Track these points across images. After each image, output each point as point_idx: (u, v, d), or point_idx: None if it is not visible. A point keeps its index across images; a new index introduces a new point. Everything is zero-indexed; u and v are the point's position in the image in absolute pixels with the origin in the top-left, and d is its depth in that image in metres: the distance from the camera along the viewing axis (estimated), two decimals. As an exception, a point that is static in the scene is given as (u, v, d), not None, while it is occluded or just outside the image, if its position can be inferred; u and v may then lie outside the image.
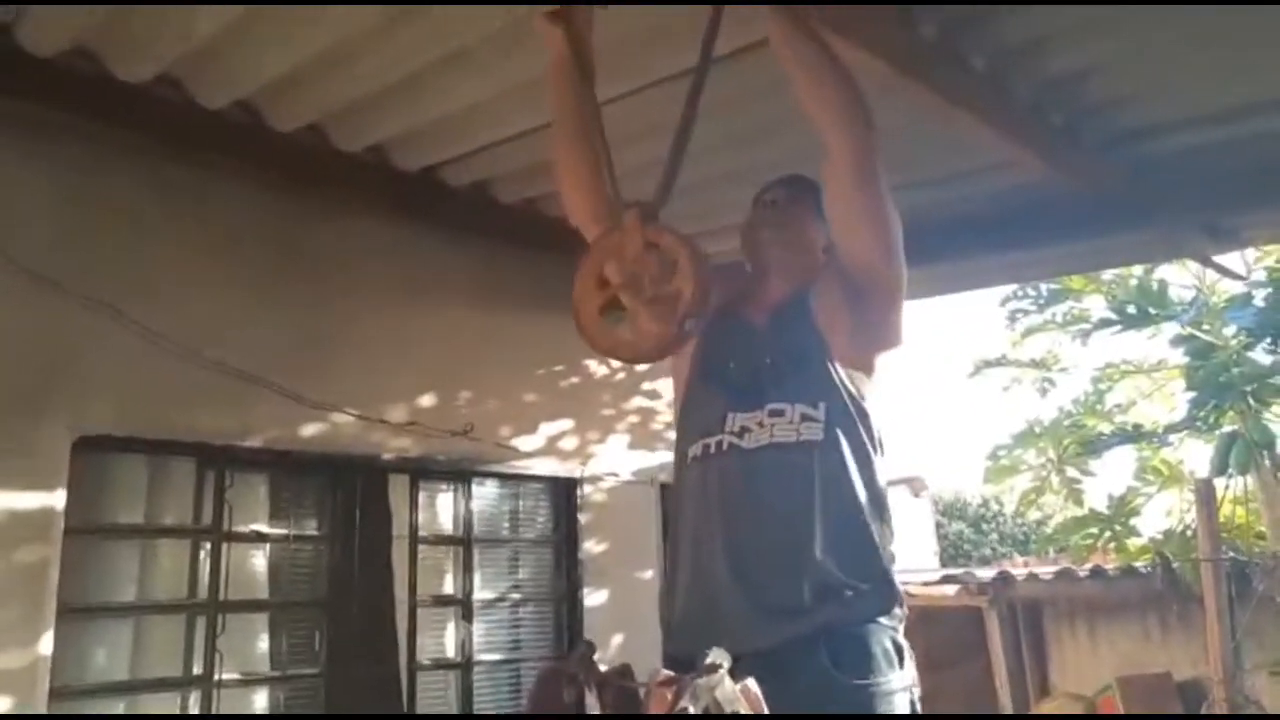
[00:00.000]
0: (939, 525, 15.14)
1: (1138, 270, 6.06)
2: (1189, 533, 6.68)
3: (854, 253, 1.74)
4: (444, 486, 3.96)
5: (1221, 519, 6.45)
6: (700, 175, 3.04)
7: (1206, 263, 4.21)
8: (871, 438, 1.71)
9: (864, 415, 1.70)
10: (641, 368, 4.40)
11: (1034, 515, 10.88)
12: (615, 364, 4.55)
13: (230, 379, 3.22)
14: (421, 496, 3.85)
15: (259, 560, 3.43)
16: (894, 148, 3.07)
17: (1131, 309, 6.16)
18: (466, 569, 3.94)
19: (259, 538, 3.41)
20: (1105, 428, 6.89)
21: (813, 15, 1.81)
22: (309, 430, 3.48)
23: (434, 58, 2.69)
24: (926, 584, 7.27)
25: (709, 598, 1.67)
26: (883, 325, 1.77)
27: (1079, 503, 6.98)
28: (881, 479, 1.71)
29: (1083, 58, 2.65)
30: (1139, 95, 2.89)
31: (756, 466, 1.67)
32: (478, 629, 3.92)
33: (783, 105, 2.34)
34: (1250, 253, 5.52)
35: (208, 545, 3.25)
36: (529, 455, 4.11)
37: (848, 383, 1.70)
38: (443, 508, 3.97)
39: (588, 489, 4.30)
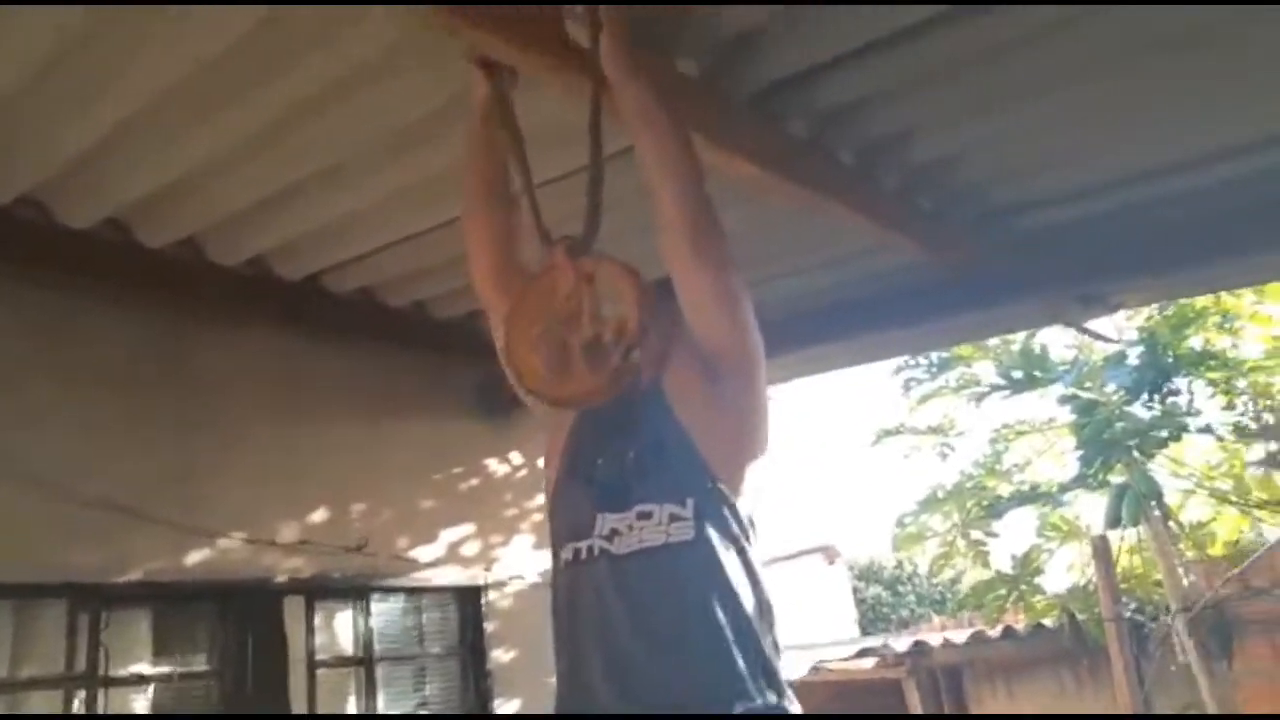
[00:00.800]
0: (856, 590, 15.25)
1: (1021, 335, 6.29)
2: (1091, 586, 6.83)
3: (703, 329, 1.69)
4: (342, 605, 3.79)
5: (1120, 570, 6.63)
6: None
7: (1080, 329, 4.38)
8: (742, 527, 1.64)
9: (732, 505, 1.64)
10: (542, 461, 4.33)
11: (948, 574, 10.99)
12: (516, 461, 4.47)
13: (104, 511, 3.04)
14: (318, 618, 3.68)
15: (141, 704, 3.21)
16: (771, 236, 3.20)
17: (1018, 374, 6.37)
18: (369, 690, 3.76)
19: (140, 680, 3.19)
20: (1005, 489, 7.05)
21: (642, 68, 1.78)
22: (193, 558, 3.30)
23: (307, 172, 2.65)
24: (844, 659, 7.25)
25: (588, 710, 1.61)
26: (741, 400, 1.70)
27: (986, 564, 7.08)
28: (757, 568, 1.64)
29: (946, 146, 2.77)
30: (1002, 177, 3.03)
31: (627, 576, 1.60)
32: (387, 752, 3.73)
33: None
34: (1121, 314, 5.77)
35: (82, 694, 3.02)
36: (429, 565, 3.98)
37: (713, 471, 1.64)
38: (341, 628, 3.79)
39: (493, 595, 4.17)
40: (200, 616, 3.40)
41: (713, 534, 1.61)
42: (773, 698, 1.56)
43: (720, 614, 1.57)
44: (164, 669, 3.25)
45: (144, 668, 3.21)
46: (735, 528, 1.63)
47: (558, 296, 1.57)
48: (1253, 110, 2.70)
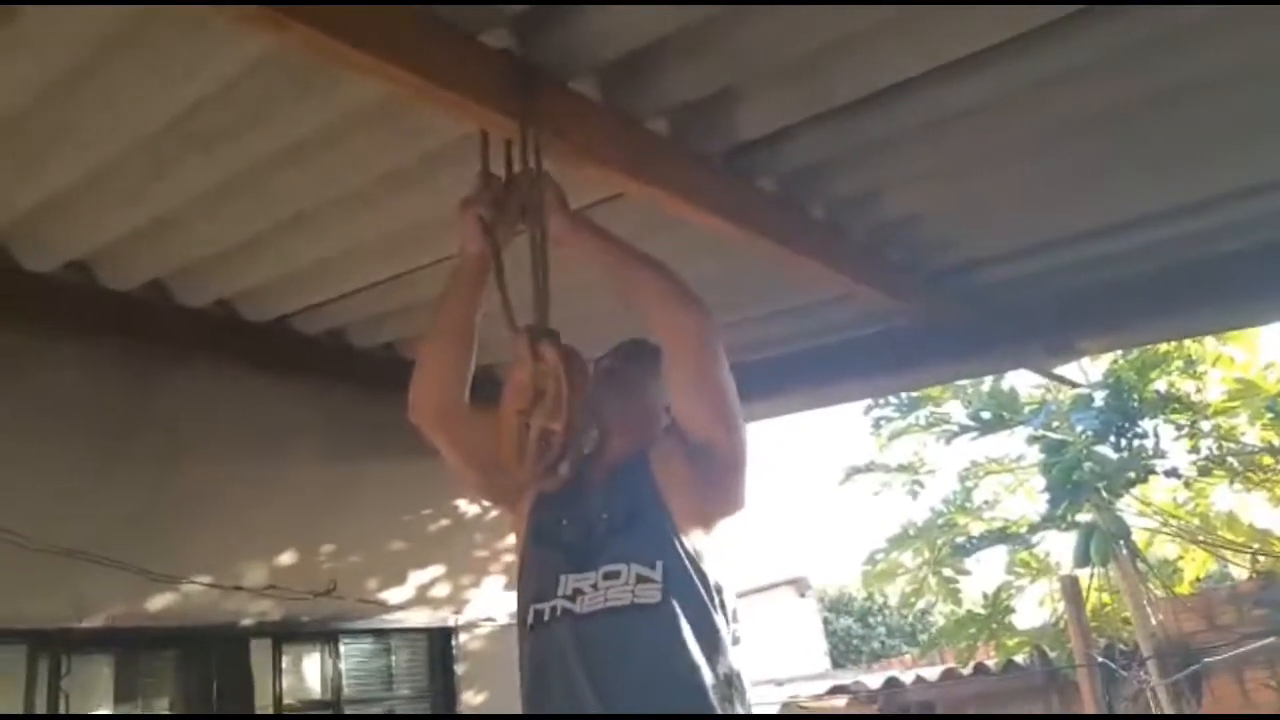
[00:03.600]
0: (826, 622, 15.22)
1: (987, 377, 6.36)
2: (1061, 624, 6.88)
3: (695, 428, 1.74)
4: (310, 649, 3.75)
5: (1090, 608, 6.67)
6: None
7: (1046, 374, 4.44)
8: (711, 598, 1.65)
9: (704, 577, 1.66)
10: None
11: (919, 606, 11.01)
12: (486, 502, 4.45)
13: (65, 557, 3.00)
14: (286, 661, 3.62)
15: (102, 751, 3.16)
16: (743, 282, 3.24)
17: (986, 414, 6.43)
18: (338, 734, 3.72)
19: (101, 726, 3.14)
20: (975, 526, 7.10)
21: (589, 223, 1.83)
22: (157, 604, 3.25)
23: (275, 220, 2.65)
24: (816, 697, 7.23)
25: None
26: (722, 488, 1.76)
27: (956, 602, 7.11)
28: (723, 638, 1.64)
29: (913, 203, 2.82)
30: (969, 232, 3.08)
31: (589, 635, 1.61)
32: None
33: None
34: (1086, 358, 5.86)
35: (40, 741, 2.97)
36: (399, 607, 3.94)
37: (686, 542, 1.67)
38: (310, 671, 3.74)
39: (464, 637, 4.13)
40: (165, 662, 3.35)
41: (680, 599, 1.61)
42: None
43: (680, 681, 1.58)
44: (126, 715, 3.19)
45: (105, 713, 3.15)
46: (704, 595, 1.64)
47: (524, 386, 1.62)
48: (1208, 170, 2.77)
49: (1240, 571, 7.41)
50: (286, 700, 3.58)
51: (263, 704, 3.47)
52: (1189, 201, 2.90)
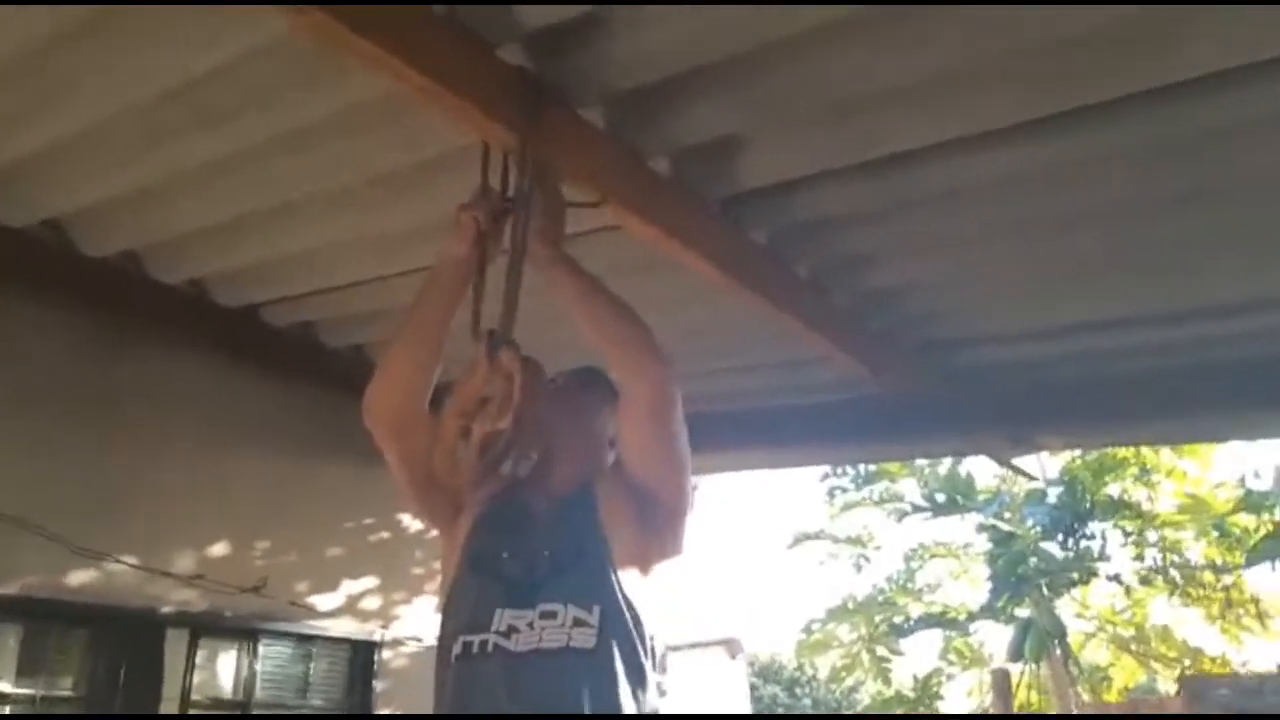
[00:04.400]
0: (754, 687, 15.13)
1: (947, 459, 6.40)
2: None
3: (643, 473, 1.72)
4: (228, 644, 3.64)
5: (1017, 704, 6.66)
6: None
7: (1005, 464, 4.46)
8: (645, 646, 1.62)
9: (639, 623, 1.62)
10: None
11: (847, 682, 10.97)
12: (423, 520, 4.38)
13: (-14, 517, 2.90)
14: (200, 655, 3.52)
15: (-8, 724, 3.03)
16: (723, 333, 3.23)
17: (940, 497, 6.46)
18: (243, 738, 3.60)
19: (-1, 698, 3.02)
20: (915, 607, 7.11)
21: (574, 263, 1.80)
22: (77, 578, 3.15)
23: (261, 206, 2.61)
24: (736, 759, 7.14)
25: None
26: (665, 533, 1.73)
27: (886, 682, 7.10)
28: (651, 690, 1.61)
29: (901, 274, 2.82)
30: (950, 311, 3.09)
31: (521, 675, 1.56)
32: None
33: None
34: (1045, 454, 5.91)
35: (-67, 707, 2.85)
36: (326, 615, 3.85)
37: (623, 586, 1.63)
38: (224, 668, 3.64)
39: (388, 654, 4.04)
40: (75, 640, 3.25)
41: (614, 647, 1.58)
42: None
43: None
44: (26, 690, 3.08)
45: (4, 686, 3.04)
46: (638, 645, 1.61)
47: (475, 387, 1.61)
48: (1198, 281, 2.80)
49: (1168, 686, 7.45)
50: (194, 696, 3.47)
51: (170, 696, 3.36)
52: (1172, 310, 2.93)
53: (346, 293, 3.22)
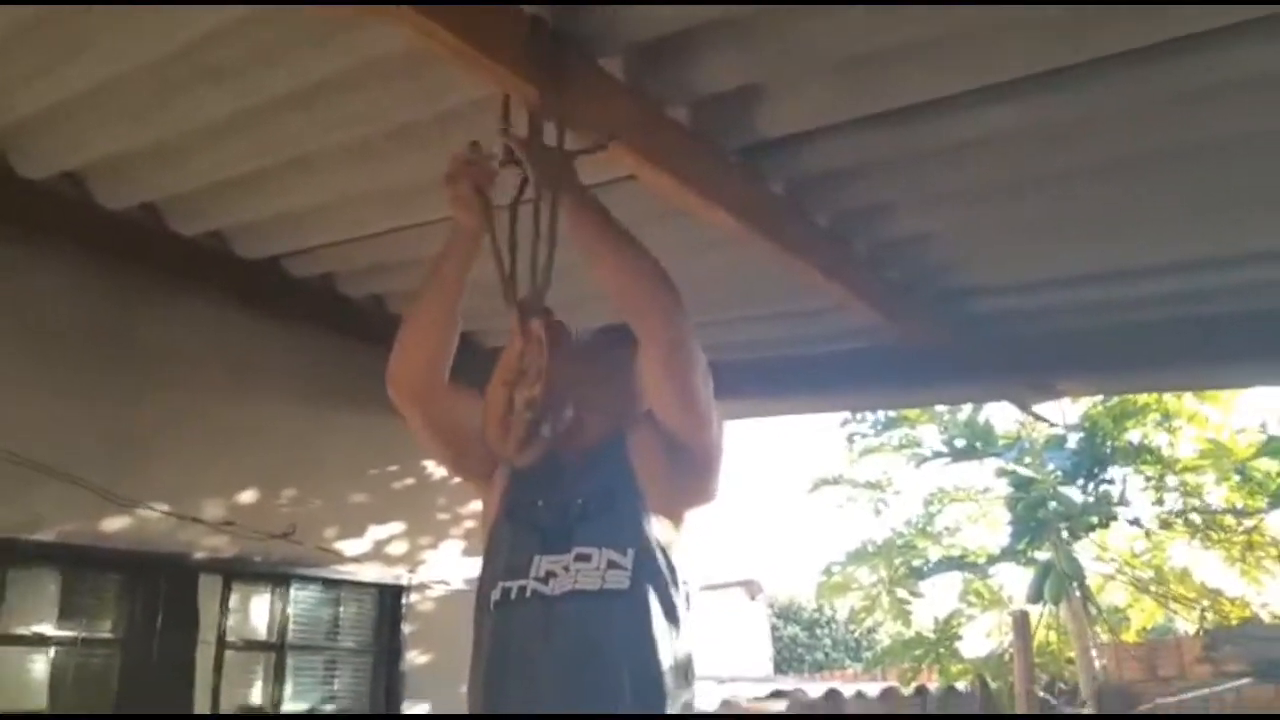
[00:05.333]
0: (774, 628, 15.31)
1: (967, 405, 6.39)
2: (1006, 656, 6.95)
3: (669, 423, 1.74)
4: (260, 589, 3.73)
5: (1036, 644, 6.74)
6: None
7: (1026, 410, 4.46)
8: (678, 587, 1.67)
9: (672, 568, 1.67)
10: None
11: (866, 623, 11.11)
12: (459, 477, 4.44)
13: (23, 467, 2.96)
14: (234, 599, 3.61)
15: (40, 665, 3.13)
16: (743, 282, 3.23)
17: (960, 443, 6.47)
18: (278, 678, 3.70)
19: (41, 640, 3.11)
20: (934, 550, 7.15)
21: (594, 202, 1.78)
22: (112, 525, 3.23)
23: (280, 159, 2.62)
24: (756, 699, 7.27)
25: None
26: (695, 482, 1.77)
27: (907, 623, 7.17)
28: (686, 636, 1.66)
29: (921, 223, 2.81)
30: (971, 260, 3.08)
31: (556, 617, 1.61)
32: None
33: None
34: (1066, 400, 5.91)
35: (-22, 648, 2.95)
36: (354, 560, 3.93)
37: (656, 531, 1.68)
38: (257, 612, 3.73)
39: (415, 597, 4.13)
40: (111, 584, 3.32)
41: (648, 588, 1.63)
42: None
43: (639, 666, 1.59)
44: (67, 632, 3.17)
45: (47, 628, 3.13)
46: (670, 587, 1.65)
47: (512, 358, 1.63)
48: (1223, 227, 2.77)
49: (1187, 626, 7.50)
50: (230, 638, 3.57)
51: (205, 638, 3.45)
52: (1195, 258, 2.91)
53: (366, 244, 3.23)
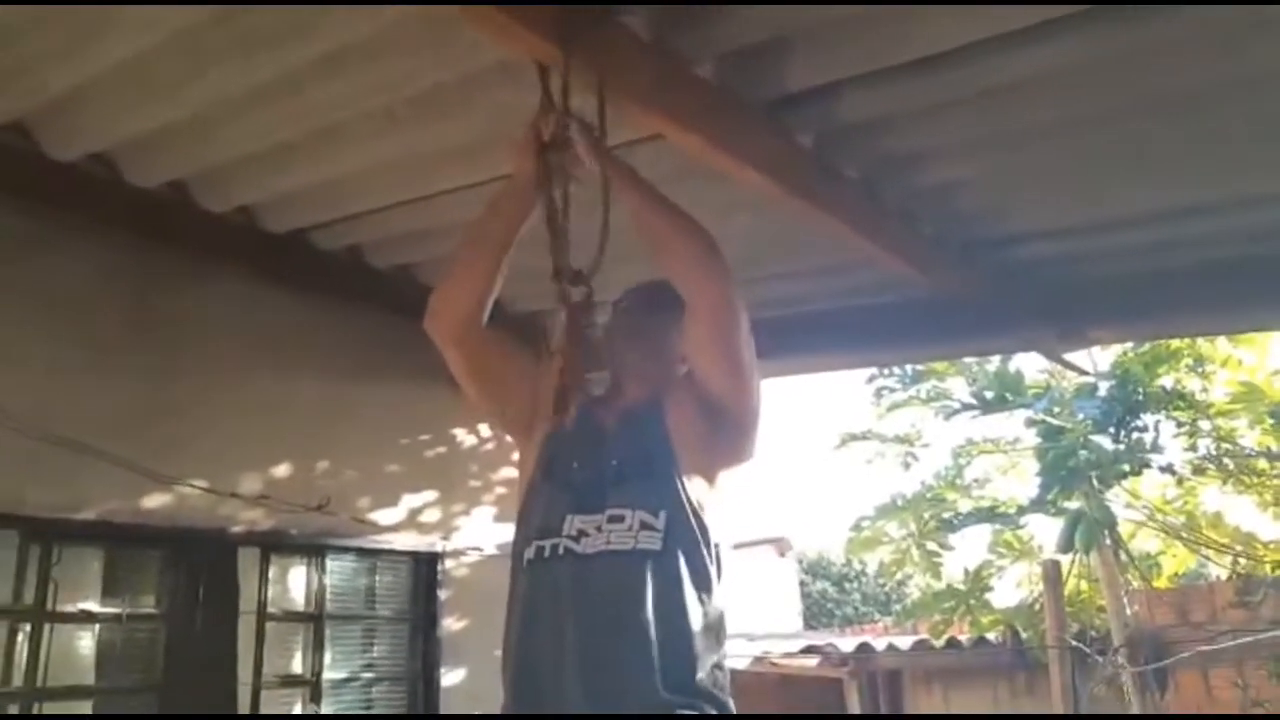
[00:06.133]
0: (803, 584, 15.39)
1: (996, 356, 6.33)
2: (1037, 605, 6.94)
3: (710, 385, 1.74)
4: (297, 561, 3.78)
5: (1067, 593, 6.72)
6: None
7: (1056, 359, 4.42)
8: (710, 554, 1.67)
9: (704, 530, 1.68)
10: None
11: (896, 576, 11.16)
12: (484, 433, 4.46)
13: (64, 448, 3.00)
14: (272, 571, 3.66)
15: (87, 641, 3.19)
16: (774, 238, 3.20)
17: (989, 394, 6.42)
18: (317, 647, 3.75)
19: (88, 617, 3.16)
20: (964, 502, 7.12)
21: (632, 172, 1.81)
22: (152, 502, 3.27)
23: (306, 131, 2.61)
24: (788, 654, 7.32)
25: (539, 708, 1.62)
26: (732, 445, 1.77)
27: (937, 576, 7.17)
28: (718, 597, 1.67)
29: (949, 173, 2.77)
30: (1000, 208, 3.04)
31: (588, 576, 1.62)
32: (327, 710, 3.73)
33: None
34: (1096, 348, 5.84)
35: (27, 627, 3.00)
36: (388, 529, 3.96)
37: (691, 496, 1.68)
38: (295, 583, 3.78)
39: (449, 564, 4.17)
40: (153, 560, 3.37)
41: (679, 550, 1.63)
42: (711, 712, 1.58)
43: (670, 626, 1.59)
44: (112, 609, 3.23)
45: (92, 605, 3.19)
46: (703, 549, 1.66)
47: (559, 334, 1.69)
48: (1246, 170, 2.72)
49: (1219, 571, 7.46)
50: (269, 609, 3.62)
51: (246, 610, 3.51)
52: (1224, 200, 2.86)
53: (392, 213, 3.23)
